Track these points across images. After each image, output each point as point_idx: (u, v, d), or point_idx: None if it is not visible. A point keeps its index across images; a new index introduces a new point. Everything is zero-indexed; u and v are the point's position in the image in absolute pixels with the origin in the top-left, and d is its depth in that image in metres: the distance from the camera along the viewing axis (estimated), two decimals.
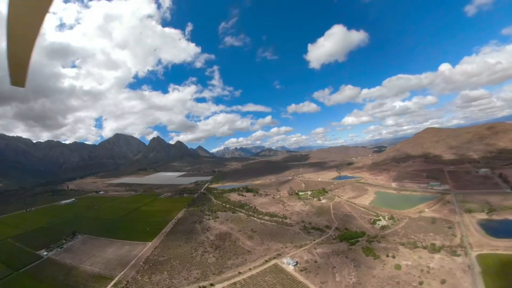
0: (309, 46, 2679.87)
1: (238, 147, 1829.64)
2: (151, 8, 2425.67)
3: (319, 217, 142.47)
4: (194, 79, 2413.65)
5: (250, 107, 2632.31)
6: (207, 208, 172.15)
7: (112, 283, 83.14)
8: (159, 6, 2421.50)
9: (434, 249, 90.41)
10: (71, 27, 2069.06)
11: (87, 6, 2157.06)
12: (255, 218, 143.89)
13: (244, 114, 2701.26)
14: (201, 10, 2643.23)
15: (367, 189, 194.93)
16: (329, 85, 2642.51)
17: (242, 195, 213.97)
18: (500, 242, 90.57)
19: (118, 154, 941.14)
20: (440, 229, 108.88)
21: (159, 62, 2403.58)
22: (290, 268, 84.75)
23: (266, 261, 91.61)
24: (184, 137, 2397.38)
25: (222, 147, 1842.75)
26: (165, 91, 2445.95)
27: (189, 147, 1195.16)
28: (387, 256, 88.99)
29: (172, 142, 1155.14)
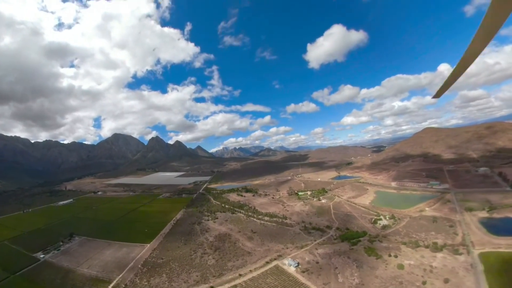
0: (308, 46, 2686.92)
1: (237, 147, 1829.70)
2: (150, 8, 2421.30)
3: (319, 217, 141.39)
4: (193, 79, 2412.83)
5: (249, 107, 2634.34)
6: (206, 209, 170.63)
7: (110, 287, 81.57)
8: (158, 5, 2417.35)
9: (436, 248, 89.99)
10: (69, 27, 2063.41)
11: (85, 6, 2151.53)
12: (255, 219, 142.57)
13: (243, 114, 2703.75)
14: (200, 10, 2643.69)
15: (367, 189, 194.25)
16: (328, 85, 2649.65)
17: (241, 196, 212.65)
18: (502, 240, 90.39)
19: (117, 154, 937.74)
20: (441, 228, 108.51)
21: (158, 62, 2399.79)
22: (292, 270, 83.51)
23: (267, 262, 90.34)
24: (183, 137, 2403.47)
25: (221, 147, 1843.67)
26: (164, 91, 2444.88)
27: (188, 147, 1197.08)
28: (390, 255, 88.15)
29: (171, 142, 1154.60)
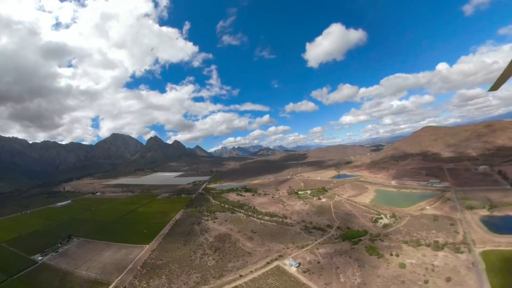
0: (307, 45, 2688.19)
1: (236, 147, 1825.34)
2: (148, 7, 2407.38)
3: (319, 216, 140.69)
4: (191, 78, 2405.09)
5: (248, 106, 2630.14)
6: (205, 209, 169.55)
7: None
8: (156, 4, 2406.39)
9: (437, 247, 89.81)
10: (67, 26, 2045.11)
11: (83, 5, 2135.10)
12: (255, 219, 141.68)
13: (242, 113, 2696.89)
14: (199, 9, 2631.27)
15: (367, 188, 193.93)
16: (327, 84, 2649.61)
17: (241, 195, 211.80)
18: (503, 238, 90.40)
19: (115, 154, 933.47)
20: (442, 227, 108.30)
21: (156, 61, 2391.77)
22: (293, 270, 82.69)
23: (268, 263, 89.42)
24: (181, 137, 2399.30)
25: (220, 147, 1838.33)
26: (162, 91, 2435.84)
27: (186, 146, 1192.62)
28: (391, 254, 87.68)
29: (169, 141, 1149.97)
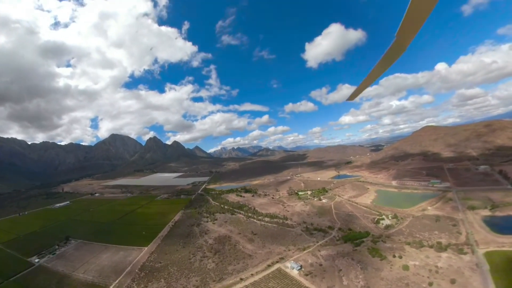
0: (307, 45, 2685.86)
1: (235, 147, 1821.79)
2: (147, 6, 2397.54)
3: (320, 217, 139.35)
4: (190, 78, 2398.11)
5: (247, 107, 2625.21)
6: (205, 210, 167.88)
7: None
8: (155, 4, 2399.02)
9: (440, 248, 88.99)
10: (66, 26, 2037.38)
11: (82, 4, 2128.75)
12: (255, 220, 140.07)
13: (241, 114, 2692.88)
14: (198, 9, 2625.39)
15: (368, 188, 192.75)
16: (326, 84, 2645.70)
17: (241, 196, 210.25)
18: (506, 239, 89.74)
19: (114, 155, 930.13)
20: (444, 227, 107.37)
21: (156, 61, 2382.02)
22: (295, 273, 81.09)
23: (269, 265, 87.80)
24: (181, 137, 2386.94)
25: (219, 147, 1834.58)
26: (161, 91, 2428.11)
27: (186, 147, 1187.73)
28: (394, 256, 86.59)
29: (169, 142, 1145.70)
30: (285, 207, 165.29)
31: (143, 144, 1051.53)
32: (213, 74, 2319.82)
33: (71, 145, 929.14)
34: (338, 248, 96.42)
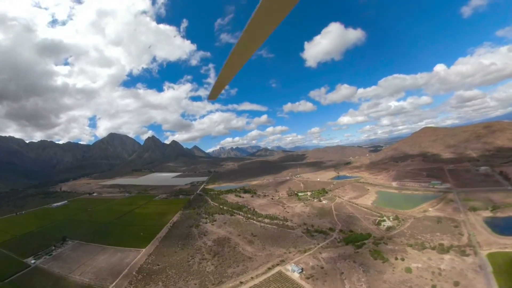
0: (306, 44, 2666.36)
1: (234, 147, 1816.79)
2: (146, 4, 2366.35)
3: (321, 218, 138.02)
4: (189, 77, 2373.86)
5: (246, 106, 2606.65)
6: (203, 211, 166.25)
7: None
8: (153, 1, 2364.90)
9: (443, 250, 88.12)
10: (63, 23, 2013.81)
11: (80, 2, 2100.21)
12: (255, 221, 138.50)
13: (239, 113, 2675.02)
14: (197, 6, 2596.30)
15: (368, 189, 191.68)
16: (325, 84, 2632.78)
17: (240, 196, 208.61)
18: (508, 240, 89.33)
19: (113, 154, 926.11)
20: (446, 229, 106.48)
21: (154, 59, 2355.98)
22: (296, 276, 79.53)
23: (269, 268, 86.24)
24: (179, 137, 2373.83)
25: (217, 147, 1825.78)
26: (160, 89, 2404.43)
27: (184, 146, 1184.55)
28: (396, 258, 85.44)
29: (167, 141, 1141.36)
30: (285, 208, 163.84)
31: (142, 144, 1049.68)
32: (212, 73, 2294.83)
33: (69, 144, 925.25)
34: (340, 251, 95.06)
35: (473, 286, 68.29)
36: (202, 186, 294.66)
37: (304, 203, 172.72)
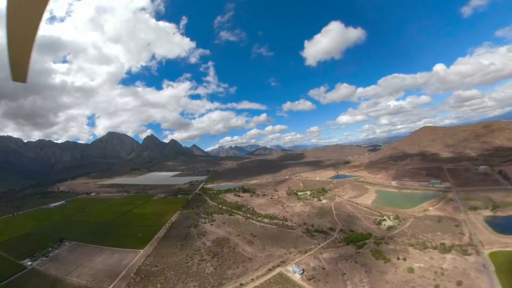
0: (306, 43, 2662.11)
1: (233, 146, 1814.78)
2: (145, 1, 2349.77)
3: (321, 218, 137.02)
4: (188, 75, 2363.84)
5: (245, 105, 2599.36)
6: (202, 210, 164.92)
7: None
8: None
9: (444, 249, 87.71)
10: (62, 20, 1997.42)
11: None
12: (254, 221, 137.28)
13: (239, 112, 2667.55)
14: (196, 3, 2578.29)
15: (368, 188, 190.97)
16: (324, 83, 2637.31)
17: (239, 196, 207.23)
18: (509, 239, 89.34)
19: (111, 153, 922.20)
20: (447, 228, 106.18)
21: (153, 57, 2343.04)
22: (297, 277, 78.38)
23: (270, 269, 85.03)
24: (178, 135, 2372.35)
25: (216, 146, 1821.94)
26: (159, 88, 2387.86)
27: (183, 145, 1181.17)
28: (398, 258, 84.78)
29: (166, 140, 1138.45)
30: (284, 208, 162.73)
31: (140, 142, 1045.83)
32: (211, 71, 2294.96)
33: (67, 143, 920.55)
34: (341, 251, 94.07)
35: (476, 286, 67.88)
36: (201, 186, 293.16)
37: (304, 202, 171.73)
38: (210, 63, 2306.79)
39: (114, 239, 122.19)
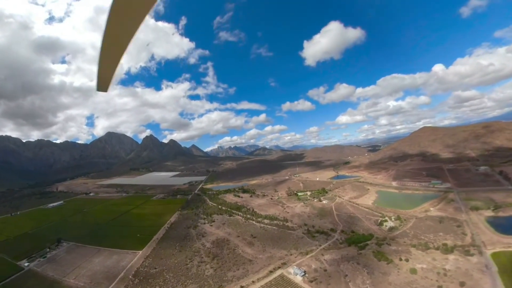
0: (305, 43, 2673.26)
1: (232, 146, 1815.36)
2: None
3: (321, 219, 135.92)
4: (187, 75, 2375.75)
5: (245, 105, 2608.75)
6: (202, 211, 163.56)
7: None
8: None
9: (447, 250, 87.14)
10: (60, 20, 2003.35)
11: None
12: (254, 222, 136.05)
13: (238, 112, 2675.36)
14: (196, 3, 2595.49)
15: (368, 189, 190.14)
16: (324, 83, 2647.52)
17: (239, 196, 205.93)
18: (511, 239, 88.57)
19: (110, 153, 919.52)
20: (449, 228, 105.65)
21: (152, 57, 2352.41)
22: (298, 279, 77.14)
23: (271, 271, 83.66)
24: (177, 136, 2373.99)
25: (216, 146, 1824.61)
26: (158, 88, 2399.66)
27: (182, 145, 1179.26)
28: (400, 259, 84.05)
29: (165, 140, 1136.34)
30: (284, 208, 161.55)
31: (140, 143, 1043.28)
32: (210, 72, 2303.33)
33: (66, 143, 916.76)
34: (342, 252, 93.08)
35: (480, 286, 67.34)
36: (200, 186, 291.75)
37: (304, 203, 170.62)
38: (209, 64, 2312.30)
39: (113, 240, 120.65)
